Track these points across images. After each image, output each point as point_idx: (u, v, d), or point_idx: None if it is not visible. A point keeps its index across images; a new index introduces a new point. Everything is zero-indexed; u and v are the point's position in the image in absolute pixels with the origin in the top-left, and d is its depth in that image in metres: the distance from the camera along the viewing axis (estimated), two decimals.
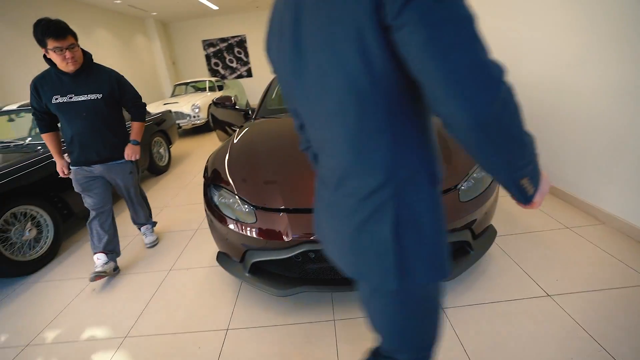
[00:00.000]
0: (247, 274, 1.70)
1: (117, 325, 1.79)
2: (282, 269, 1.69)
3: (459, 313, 1.59)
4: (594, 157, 2.21)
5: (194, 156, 5.34)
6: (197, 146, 6.07)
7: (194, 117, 6.66)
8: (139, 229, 2.58)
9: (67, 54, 1.81)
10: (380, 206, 0.62)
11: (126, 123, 2.24)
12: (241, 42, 10.94)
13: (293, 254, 1.49)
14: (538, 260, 1.89)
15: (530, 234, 2.16)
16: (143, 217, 2.50)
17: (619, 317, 1.46)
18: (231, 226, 1.65)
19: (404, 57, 0.49)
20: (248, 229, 1.59)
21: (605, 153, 2.12)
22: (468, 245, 1.67)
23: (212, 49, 11.03)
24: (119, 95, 2.08)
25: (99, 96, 1.98)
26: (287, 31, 0.61)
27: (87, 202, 2.12)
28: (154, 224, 2.61)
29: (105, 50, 7.62)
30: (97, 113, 1.98)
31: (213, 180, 1.87)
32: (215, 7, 9.26)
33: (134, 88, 2.17)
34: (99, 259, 2.13)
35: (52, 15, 1.79)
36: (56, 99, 1.90)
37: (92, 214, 2.14)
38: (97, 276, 2.04)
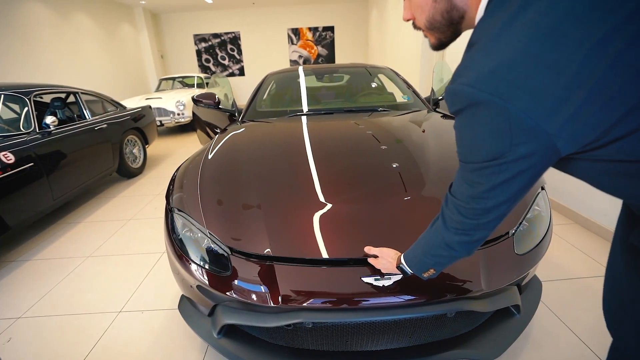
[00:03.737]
0: (216, 336, 1.23)
1: None
2: (263, 333, 1.23)
3: None
4: None
5: (175, 158, 4.82)
6: (179, 146, 5.55)
7: (178, 114, 6.13)
8: None
9: None
10: None
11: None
12: (235, 39, 10.45)
13: (283, 323, 1.03)
14: (589, 319, 1.49)
15: (572, 281, 1.76)
16: None
17: None
18: (195, 271, 1.19)
19: None
20: (217, 280, 1.12)
21: None
22: (514, 307, 1.25)
23: (203, 44, 10.50)
24: None
25: None
26: None
27: None
28: None
29: (85, 37, 7.01)
30: None
31: (178, 202, 1.39)
32: (209, 1, 8.77)
33: None
34: None
35: None
36: None
37: None
38: None
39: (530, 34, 0.44)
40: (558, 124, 0.44)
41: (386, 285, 1.00)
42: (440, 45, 0.64)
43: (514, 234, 1.18)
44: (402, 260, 0.87)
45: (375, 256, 1.01)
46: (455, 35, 0.61)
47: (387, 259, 0.95)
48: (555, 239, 2.17)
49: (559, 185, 2.51)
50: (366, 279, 1.01)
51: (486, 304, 1.08)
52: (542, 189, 1.38)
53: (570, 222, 2.37)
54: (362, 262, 1.06)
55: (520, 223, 1.21)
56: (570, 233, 2.23)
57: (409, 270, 0.86)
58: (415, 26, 0.65)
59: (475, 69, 0.48)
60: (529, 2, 0.45)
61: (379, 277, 1.01)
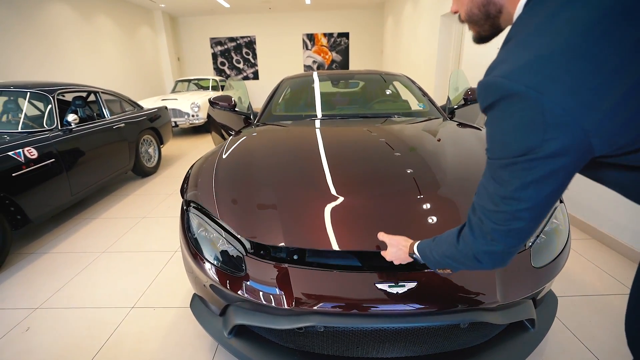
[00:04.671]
0: (227, 336, 1.24)
1: None
2: (273, 335, 1.23)
3: None
4: None
5: (188, 158, 4.90)
6: (192, 148, 5.64)
7: (193, 116, 6.24)
8: None
9: None
10: None
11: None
12: (250, 43, 10.60)
13: (295, 326, 1.03)
14: (606, 337, 1.45)
15: (589, 297, 1.71)
16: None
17: None
18: (209, 270, 1.20)
19: None
20: (231, 281, 1.14)
21: None
22: (529, 322, 1.23)
23: (219, 48, 10.68)
24: None
25: None
26: None
27: None
28: None
29: (106, 38, 7.22)
30: None
31: (195, 199, 1.42)
32: (227, 5, 8.94)
33: None
34: None
35: None
36: None
37: None
38: None
39: (572, 29, 0.43)
40: (594, 120, 0.43)
41: (400, 292, 1.00)
42: (480, 39, 0.65)
43: (531, 246, 1.16)
44: (415, 251, 0.84)
45: (386, 247, 0.97)
46: (494, 29, 0.62)
47: (398, 246, 0.91)
48: (572, 254, 2.12)
49: (577, 200, 2.46)
50: (380, 286, 1.01)
51: (500, 316, 1.06)
52: (561, 201, 1.36)
53: (588, 238, 2.32)
54: (377, 268, 1.06)
55: (538, 235, 1.20)
56: (587, 249, 2.18)
57: (421, 260, 0.83)
58: (460, 19, 0.66)
59: (511, 62, 0.47)
60: (571, 0, 0.45)
61: (393, 284, 1.01)
